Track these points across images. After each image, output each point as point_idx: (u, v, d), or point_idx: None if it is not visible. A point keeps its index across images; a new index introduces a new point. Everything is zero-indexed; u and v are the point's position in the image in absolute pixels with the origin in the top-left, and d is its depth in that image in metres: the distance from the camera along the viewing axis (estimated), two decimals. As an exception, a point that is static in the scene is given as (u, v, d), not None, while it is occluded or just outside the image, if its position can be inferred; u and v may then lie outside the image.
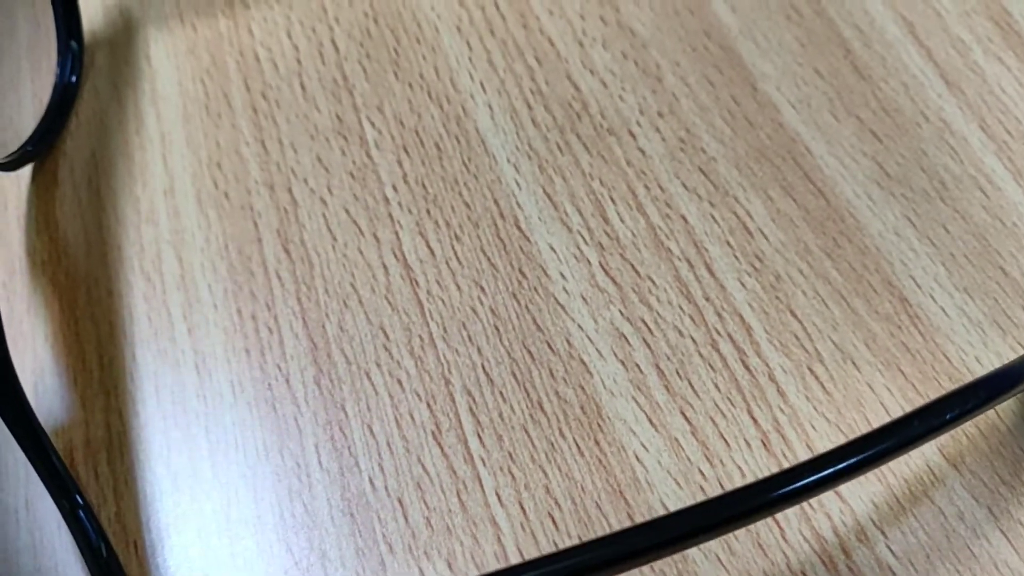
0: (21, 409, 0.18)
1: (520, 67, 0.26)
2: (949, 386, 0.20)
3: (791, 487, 0.16)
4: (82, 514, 0.17)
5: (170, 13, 0.28)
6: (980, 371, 0.21)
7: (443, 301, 0.23)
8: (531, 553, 0.19)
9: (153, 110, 0.26)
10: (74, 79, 0.25)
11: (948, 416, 0.16)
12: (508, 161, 0.25)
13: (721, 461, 0.20)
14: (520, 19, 0.27)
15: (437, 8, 0.28)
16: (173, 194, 0.25)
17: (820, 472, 0.15)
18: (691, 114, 0.25)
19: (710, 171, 0.24)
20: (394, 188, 0.24)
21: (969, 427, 0.20)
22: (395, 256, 0.23)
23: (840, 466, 0.15)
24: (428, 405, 0.21)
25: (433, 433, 0.21)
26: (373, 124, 0.25)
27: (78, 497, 0.18)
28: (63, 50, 0.25)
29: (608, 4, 0.27)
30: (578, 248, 0.23)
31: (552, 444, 0.20)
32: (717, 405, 0.21)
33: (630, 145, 0.25)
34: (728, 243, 0.23)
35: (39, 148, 0.24)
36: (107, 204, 0.24)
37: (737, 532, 0.19)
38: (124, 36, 0.28)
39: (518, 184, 0.24)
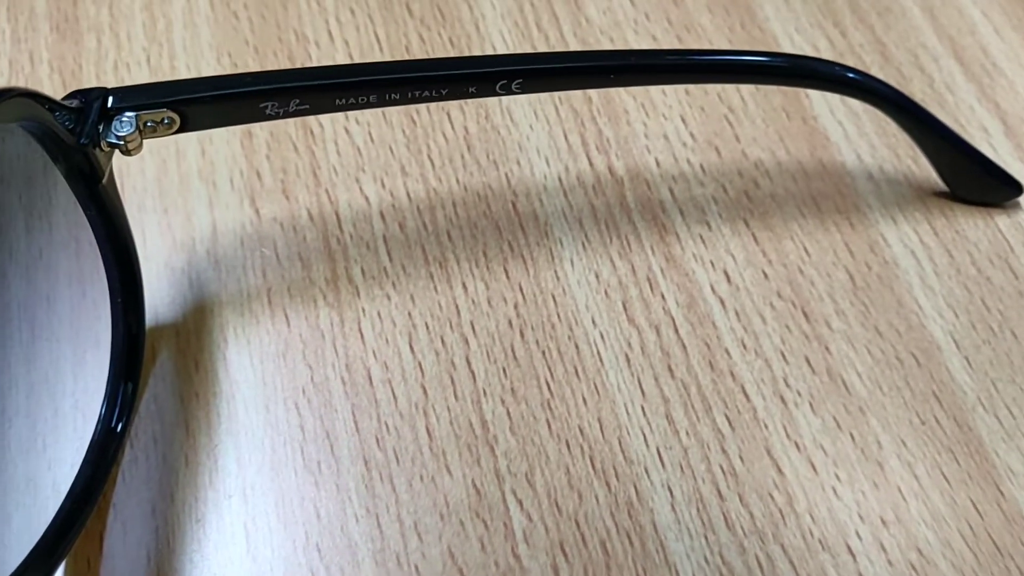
0: None
1: (707, 430, 0.21)
2: None
3: None
4: None
5: (255, 291, 0.22)
6: None
7: None
8: None
9: (232, 446, 0.20)
10: (120, 427, 0.19)
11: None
12: (695, 582, 0.19)
13: None
14: (705, 352, 0.21)
15: (600, 322, 0.22)
16: (260, 590, 0.19)
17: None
18: (922, 526, 0.20)
19: (950, 622, 0.19)
20: (551, 611, 0.19)
21: None
22: None
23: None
24: None
25: None
26: (521, 504, 0.20)
27: None
28: (112, 393, 0.19)
29: (816, 339, 0.22)
30: None
31: None
32: None
33: (849, 569, 0.19)
34: None
35: (69, 537, 0.18)
36: (173, 597, 0.18)
37: None
38: (194, 321, 0.21)
39: (709, 620, 0.19)
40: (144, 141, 0.18)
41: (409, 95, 0.19)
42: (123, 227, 0.19)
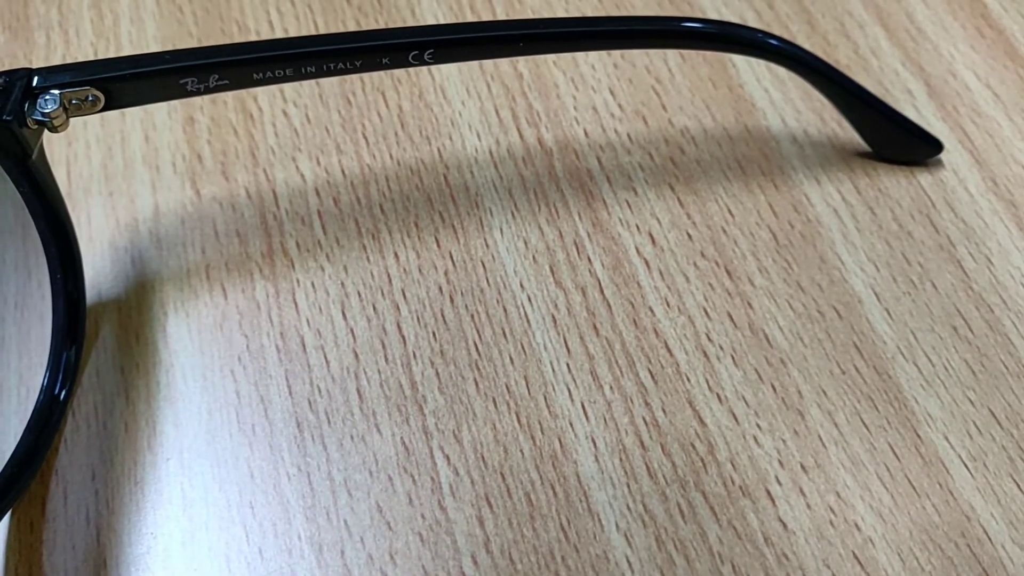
0: None
1: (630, 384, 0.21)
2: None
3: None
4: None
5: (195, 267, 0.22)
6: None
7: None
8: None
9: (170, 412, 0.21)
10: (63, 394, 0.20)
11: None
12: (617, 527, 0.20)
13: None
14: (630, 310, 0.22)
15: (528, 286, 0.22)
16: (193, 542, 0.19)
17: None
18: (841, 470, 0.20)
19: (867, 560, 0.19)
20: (473, 560, 0.19)
21: None
22: (477, 670, 0.18)
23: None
24: None
25: None
26: (448, 459, 0.20)
27: None
28: (55, 361, 0.20)
29: (738, 296, 0.22)
30: (707, 674, 0.18)
31: None
32: None
33: (769, 513, 0.20)
34: None
35: (7, 501, 0.19)
36: (108, 559, 0.19)
37: None
38: (136, 297, 0.22)
39: (630, 565, 0.19)
40: (71, 119, 0.19)
41: (324, 67, 0.20)
42: (56, 201, 0.20)
